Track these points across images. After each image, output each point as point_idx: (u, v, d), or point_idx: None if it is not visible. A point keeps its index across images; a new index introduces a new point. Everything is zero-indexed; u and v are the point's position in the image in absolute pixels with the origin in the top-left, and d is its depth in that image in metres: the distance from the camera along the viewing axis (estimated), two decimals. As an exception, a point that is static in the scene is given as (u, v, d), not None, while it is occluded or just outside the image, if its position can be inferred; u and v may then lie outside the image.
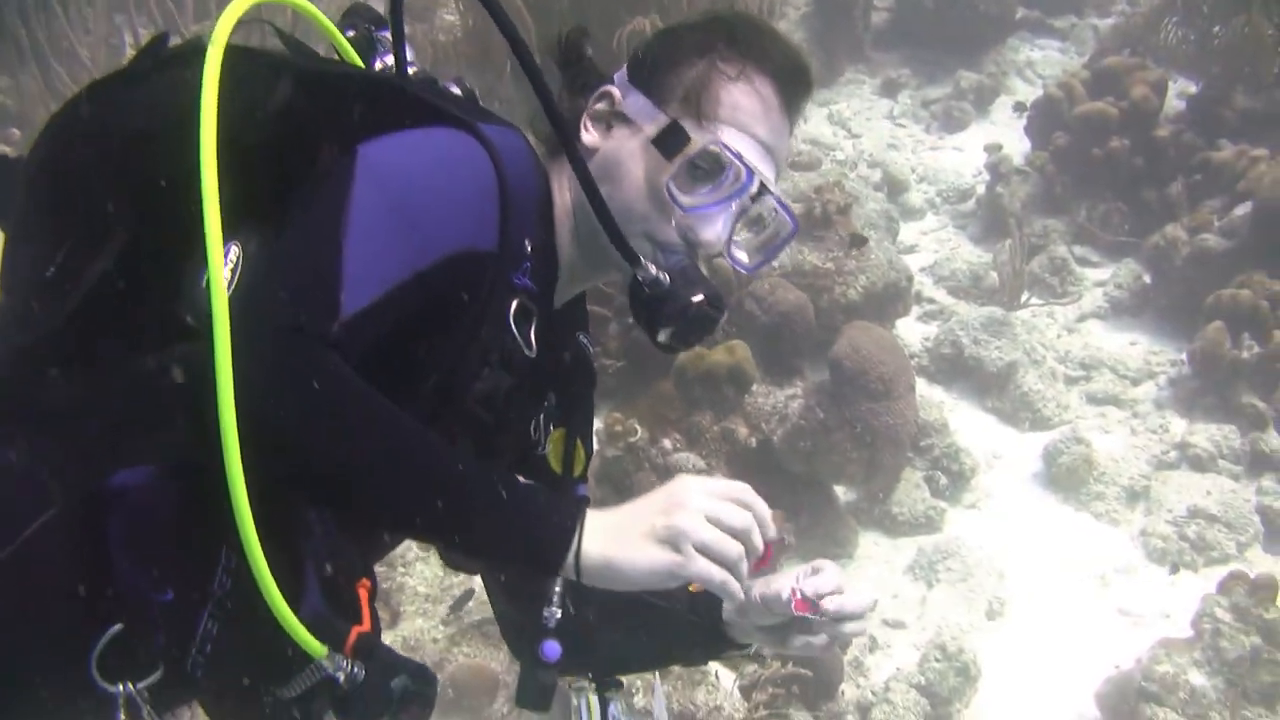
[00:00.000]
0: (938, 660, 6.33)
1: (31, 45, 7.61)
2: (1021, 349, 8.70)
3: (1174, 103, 10.54)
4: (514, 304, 2.00)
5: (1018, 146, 10.69)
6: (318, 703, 1.87)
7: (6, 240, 2.05)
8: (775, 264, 7.75)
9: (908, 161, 10.94)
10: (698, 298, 2.07)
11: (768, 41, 2.20)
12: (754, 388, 7.29)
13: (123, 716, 1.85)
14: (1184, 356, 8.71)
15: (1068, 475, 7.92)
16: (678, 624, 2.35)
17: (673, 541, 1.75)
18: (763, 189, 2.11)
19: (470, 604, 6.20)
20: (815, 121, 11.25)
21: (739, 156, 2.07)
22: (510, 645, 2.46)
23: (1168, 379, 8.75)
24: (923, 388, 8.27)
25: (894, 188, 10.40)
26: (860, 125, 11.34)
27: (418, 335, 1.87)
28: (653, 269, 2.08)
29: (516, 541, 1.77)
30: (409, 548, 6.26)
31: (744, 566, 1.78)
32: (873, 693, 6.29)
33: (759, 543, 1.79)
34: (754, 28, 2.22)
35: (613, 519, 1.79)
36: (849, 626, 2.17)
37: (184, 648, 1.87)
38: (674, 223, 2.10)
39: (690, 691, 5.81)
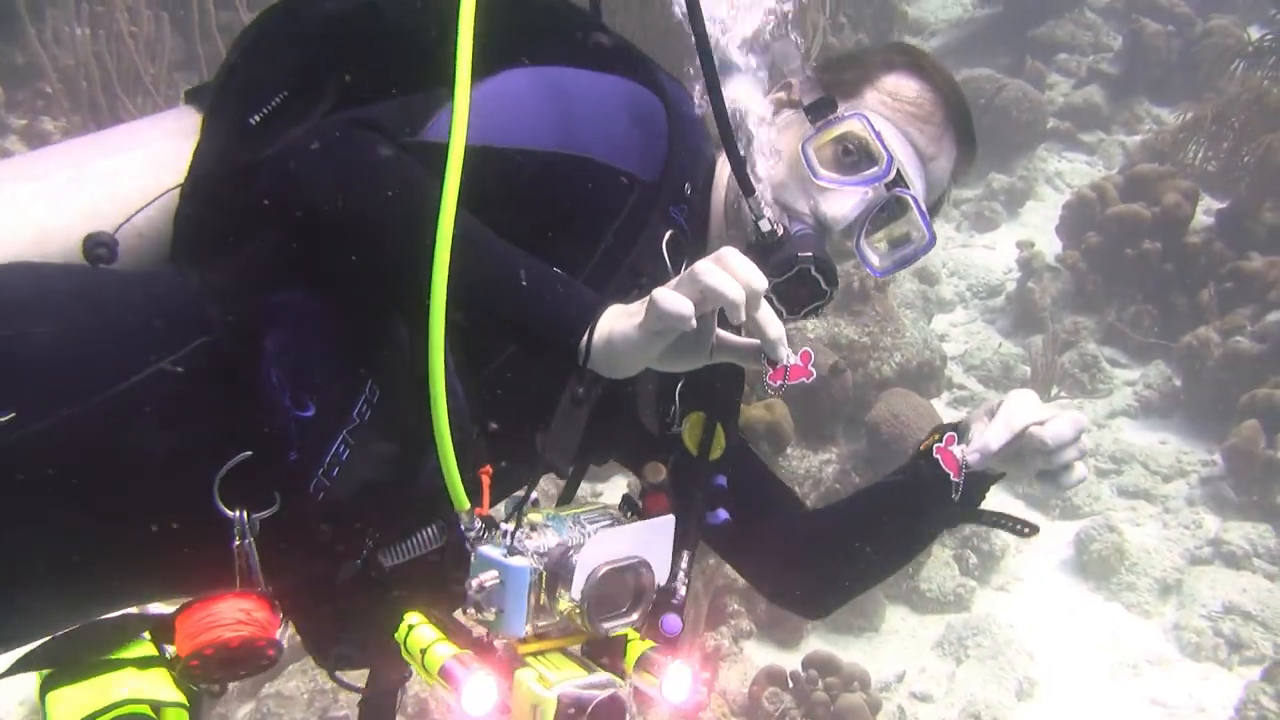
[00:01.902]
0: (968, 732, 6.14)
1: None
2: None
3: (1202, 217, 10.59)
4: (668, 234, 2.02)
5: (1049, 246, 10.71)
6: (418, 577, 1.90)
7: (207, 111, 2.17)
8: (810, 332, 7.73)
9: (939, 257, 10.95)
10: (806, 254, 2.04)
11: (949, 79, 2.26)
12: (789, 450, 7.19)
13: (238, 542, 1.86)
14: (1216, 456, 8.62)
15: (1099, 563, 7.78)
16: (918, 491, 2.26)
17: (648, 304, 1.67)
18: (899, 180, 2.10)
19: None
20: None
21: (879, 136, 2.08)
22: None
23: (1199, 477, 8.65)
24: (953, 470, 8.14)
25: (925, 280, 10.39)
26: (893, 221, 11.35)
27: (543, 221, 1.93)
28: (769, 221, 2.05)
29: (542, 314, 1.75)
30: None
31: (677, 295, 1.63)
32: (904, 760, 6.09)
33: (718, 283, 1.62)
34: (941, 65, 2.29)
35: (623, 307, 1.74)
36: (1060, 459, 2.02)
37: (313, 467, 1.89)
38: (809, 197, 2.11)
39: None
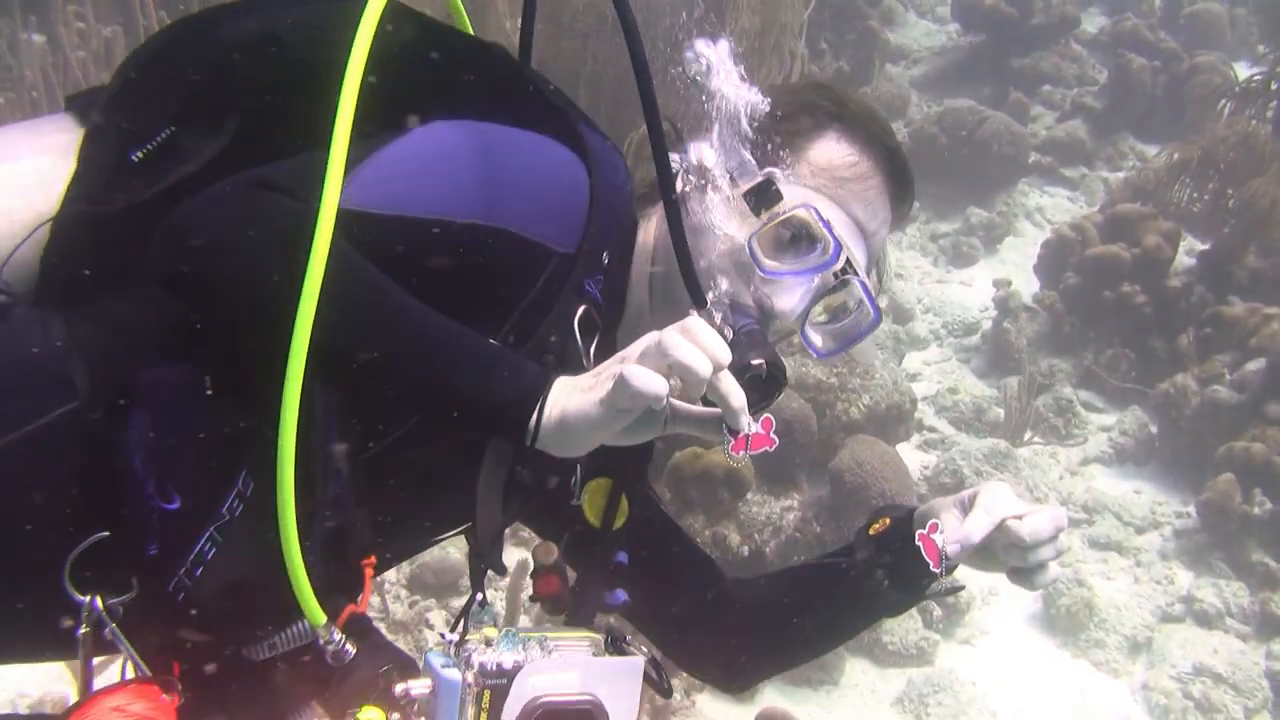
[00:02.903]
0: (930, 798, 5.89)
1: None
2: (1024, 484, 8.39)
3: (1184, 259, 10.41)
4: (581, 310, 1.90)
5: (1026, 286, 10.50)
6: (295, 670, 1.83)
7: (90, 129, 2.00)
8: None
9: (914, 292, 10.74)
10: (757, 360, 1.86)
11: (879, 124, 2.12)
12: (750, 495, 6.94)
13: (84, 629, 1.76)
14: (1191, 508, 8.41)
15: (1067, 618, 7.55)
16: (870, 580, 2.20)
17: (613, 372, 1.60)
18: (848, 268, 1.97)
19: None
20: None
21: (828, 226, 1.94)
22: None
23: (1173, 530, 8.43)
24: (920, 516, 7.91)
25: (899, 316, 10.18)
26: (867, 254, 11.15)
27: (453, 296, 1.77)
28: (717, 318, 1.92)
29: (483, 391, 1.65)
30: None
31: (650, 373, 1.56)
32: (858, 828, 5.83)
33: (689, 359, 1.56)
34: (866, 106, 2.14)
35: (571, 381, 1.67)
36: (1036, 556, 1.92)
37: (173, 564, 1.79)
38: (752, 286, 1.97)
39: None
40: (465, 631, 1.67)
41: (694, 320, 1.63)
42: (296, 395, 1.60)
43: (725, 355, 1.61)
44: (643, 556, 2.23)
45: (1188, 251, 10.61)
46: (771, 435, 1.70)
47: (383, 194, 1.77)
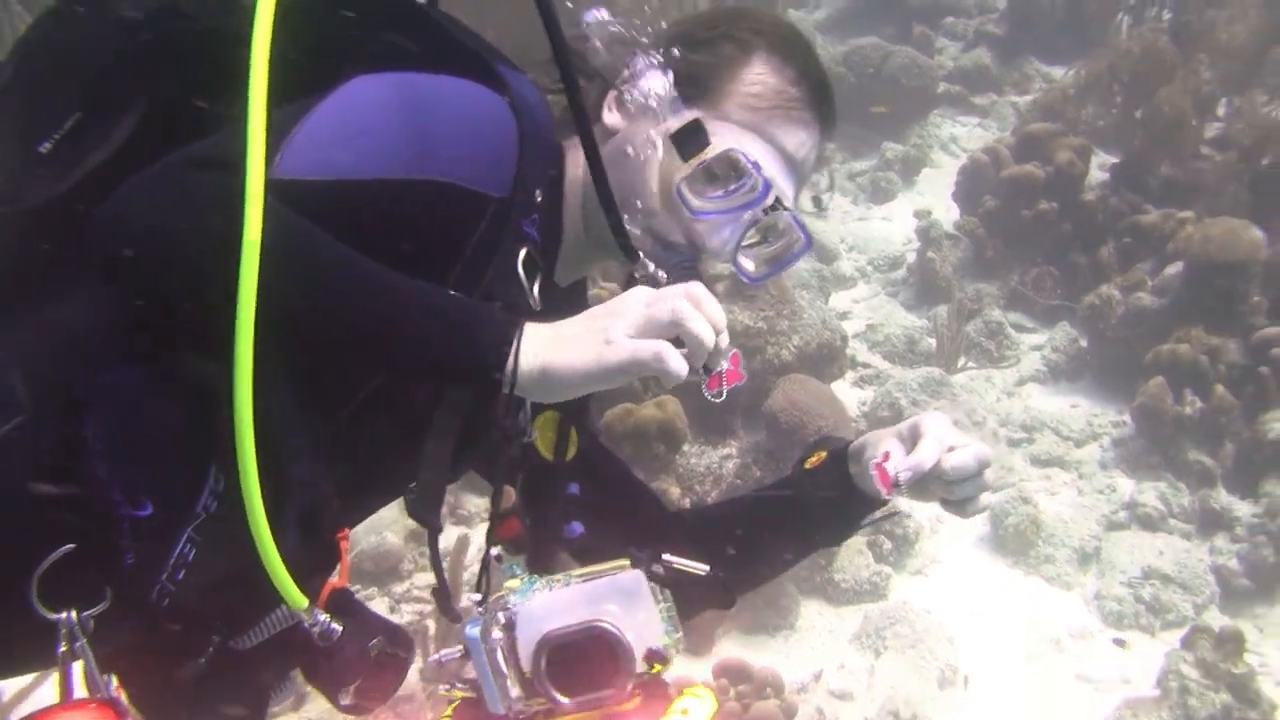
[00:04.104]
0: (891, 727, 5.89)
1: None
2: (962, 410, 8.41)
3: (1097, 173, 10.46)
4: (522, 253, 1.87)
5: (947, 215, 10.52)
6: (285, 658, 1.82)
7: None
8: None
9: (836, 232, 10.73)
10: None
11: (801, 46, 2.11)
12: (686, 447, 6.91)
13: (64, 647, 1.69)
14: (1126, 417, 8.47)
15: (1015, 538, 7.59)
16: (807, 505, 2.24)
17: (604, 335, 1.63)
18: (778, 203, 2.00)
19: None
20: (740, 196, 11.01)
21: (757, 166, 1.96)
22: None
23: (1111, 440, 8.50)
24: (861, 453, 7.90)
25: (824, 256, 10.17)
26: (786, 199, 11.12)
27: (397, 254, 1.71)
28: (651, 265, 1.95)
29: (451, 343, 1.63)
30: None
31: (678, 354, 1.62)
32: (824, 764, 5.82)
33: (702, 333, 1.64)
34: (786, 28, 2.14)
35: (552, 329, 1.66)
36: (965, 489, 1.98)
37: (153, 572, 1.75)
38: (681, 223, 1.99)
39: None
40: (488, 590, 1.68)
41: (698, 288, 1.66)
42: (249, 373, 1.55)
43: (723, 320, 1.67)
44: (593, 486, 2.26)
45: (1101, 166, 10.65)
46: (740, 370, 1.77)
47: (316, 160, 1.73)
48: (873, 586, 7.17)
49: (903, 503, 2.23)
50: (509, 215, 1.86)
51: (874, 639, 6.80)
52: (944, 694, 6.54)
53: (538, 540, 2.13)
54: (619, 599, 1.67)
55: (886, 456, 2.04)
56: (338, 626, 1.74)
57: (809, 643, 6.90)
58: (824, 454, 2.26)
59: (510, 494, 2.09)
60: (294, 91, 1.76)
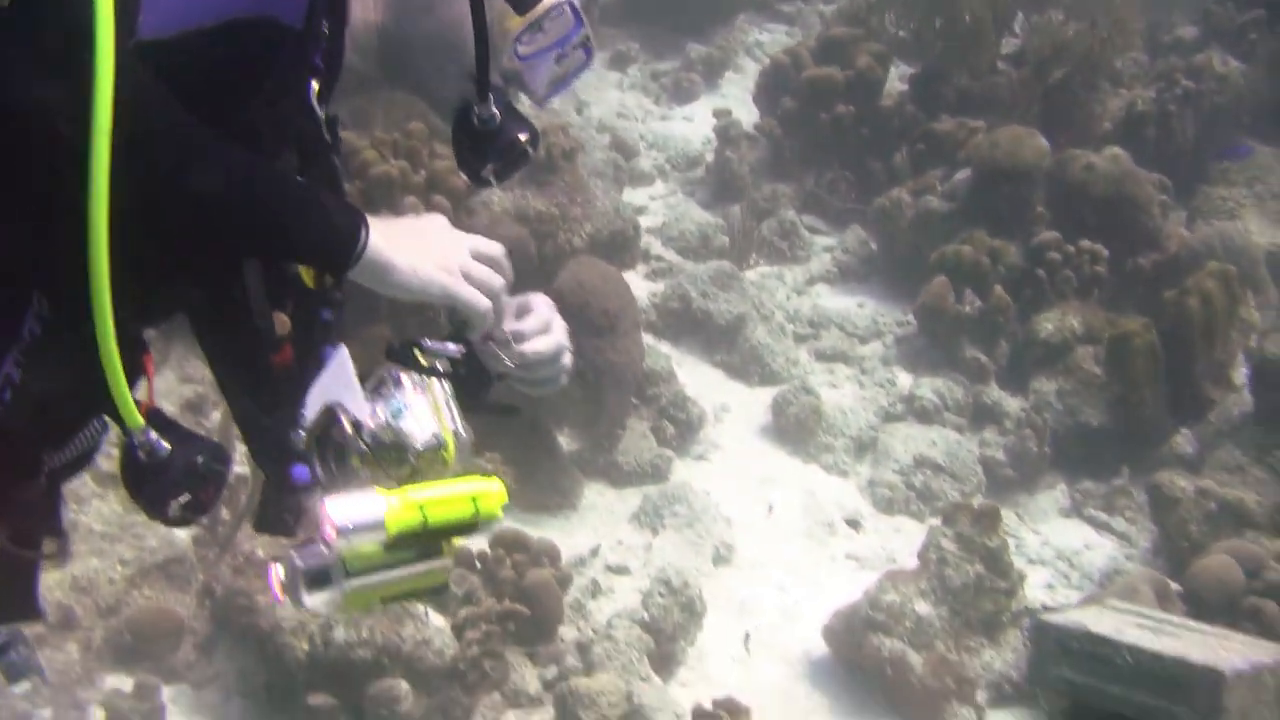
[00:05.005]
0: (662, 596, 5.99)
1: None
2: (750, 303, 8.52)
3: (896, 84, 10.61)
4: (315, 85, 1.98)
5: (748, 117, 10.57)
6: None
7: None
8: (496, 206, 7.41)
9: (637, 130, 10.71)
10: (524, 135, 2.18)
11: None
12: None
13: None
14: (910, 316, 8.68)
15: (796, 427, 7.75)
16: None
17: (448, 266, 1.86)
18: (587, 41, 2.14)
19: (154, 542, 5.59)
20: (543, 91, 10.89)
21: (577, 14, 2.10)
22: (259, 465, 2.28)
23: (895, 338, 8.71)
24: (650, 341, 7.97)
25: (622, 151, 10.14)
26: (589, 95, 11.05)
27: (215, 93, 1.78)
28: (491, 105, 2.13)
29: (313, 226, 1.79)
30: (84, 483, 5.61)
31: (500, 302, 1.92)
32: (594, 631, 5.88)
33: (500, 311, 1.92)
34: None
35: (392, 228, 1.85)
36: (540, 373, 2.10)
37: None
38: (502, 65, 2.12)
39: (398, 626, 5.31)
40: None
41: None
42: (103, 205, 1.59)
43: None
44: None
45: (901, 78, 10.81)
46: None
47: (169, 10, 1.72)
48: (654, 469, 7.26)
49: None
50: (304, 46, 1.90)
51: (652, 518, 6.90)
52: (718, 570, 6.69)
53: (301, 366, 2.15)
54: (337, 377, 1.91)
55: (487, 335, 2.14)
56: (166, 445, 1.77)
57: (589, 522, 6.97)
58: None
59: (285, 321, 2.17)
60: None
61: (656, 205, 9.94)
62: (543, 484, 6.87)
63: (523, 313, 2.11)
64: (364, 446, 1.88)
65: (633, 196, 9.83)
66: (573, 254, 7.55)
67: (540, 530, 6.51)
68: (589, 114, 10.72)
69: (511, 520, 6.62)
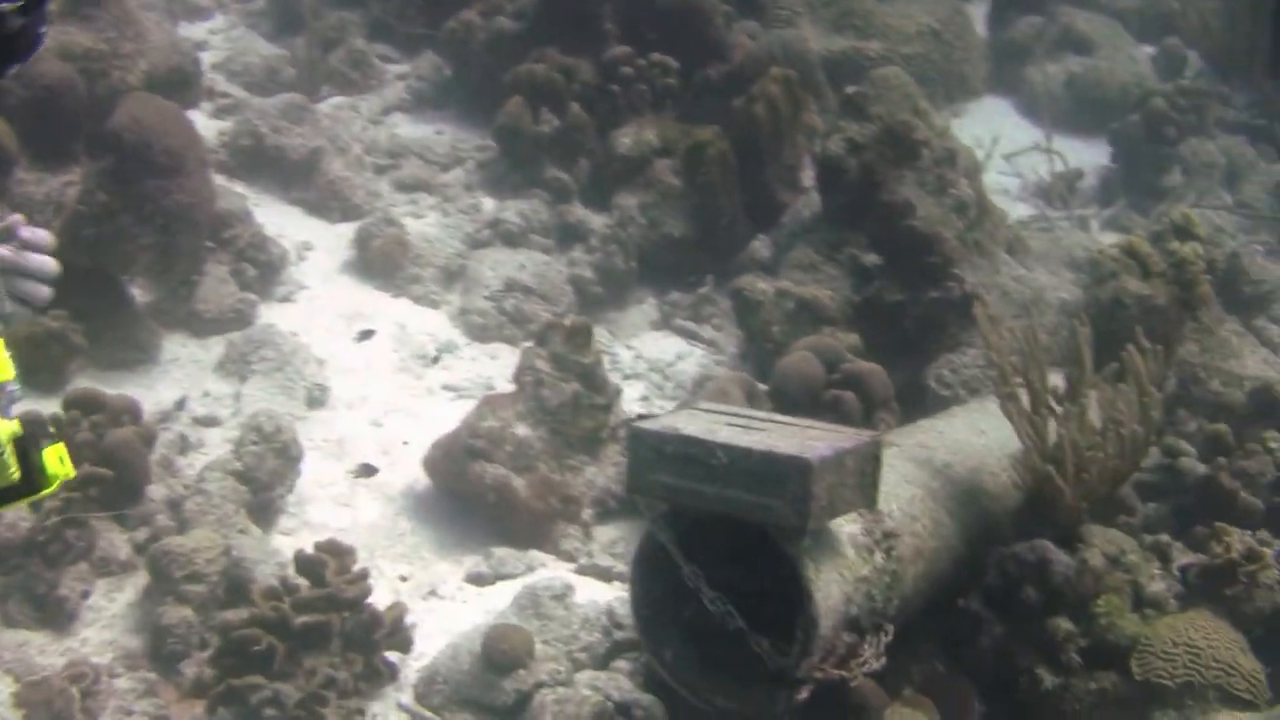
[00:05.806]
0: (255, 444, 5.77)
1: None
2: (325, 137, 8.22)
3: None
4: None
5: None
6: None
7: None
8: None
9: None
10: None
11: None
12: (21, 175, 6.31)
13: None
14: (491, 141, 8.61)
15: (382, 260, 7.61)
16: None
17: None
18: None
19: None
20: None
21: None
22: None
23: (476, 163, 8.63)
24: (222, 182, 7.57)
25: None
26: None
27: None
28: None
29: None
30: None
31: None
32: (185, 487, 5.63)
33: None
34: None
35: None
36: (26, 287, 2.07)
37: None
38: None
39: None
40: None
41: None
42: None
43: None
44: None
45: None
46: None
47: None
48: (238, 314, 6.97)
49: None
50: None
51: (239, 365, 6.63)
52: (313, 412, 6.53)
53: None
54: None
55: None
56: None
57: (172, 375, 6.63)
58: None
59: None
60: None
61: (217, 39, 9.44)
62: (117, 339, 6.48)
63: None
64: None
65: (191, 31, 9.24)
66: (128, 92, 7.01)
67: (118, 388, 6.14)
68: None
69: (85, 379, 6.21)
